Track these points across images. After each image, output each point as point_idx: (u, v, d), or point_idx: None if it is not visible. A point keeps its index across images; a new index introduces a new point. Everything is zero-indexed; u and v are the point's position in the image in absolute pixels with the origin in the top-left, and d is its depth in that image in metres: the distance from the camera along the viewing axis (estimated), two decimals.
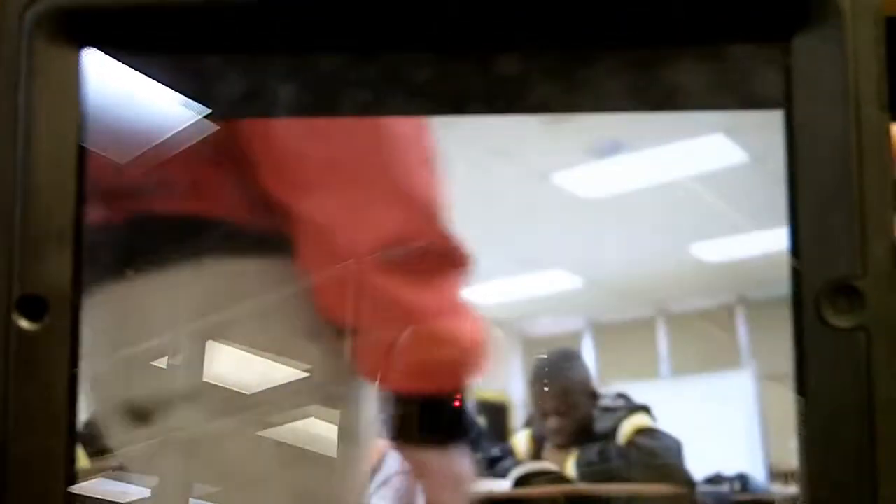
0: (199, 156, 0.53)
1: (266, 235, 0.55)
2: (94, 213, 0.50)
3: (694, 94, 0.50)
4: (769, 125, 0.48)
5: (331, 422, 0.56)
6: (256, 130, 0.54)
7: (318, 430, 0.55)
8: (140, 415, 0.56)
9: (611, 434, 1.17)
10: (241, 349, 0.55)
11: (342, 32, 0.48)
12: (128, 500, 0.59)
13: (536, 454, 0.77)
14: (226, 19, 0.48)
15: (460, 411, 0.56)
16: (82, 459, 0.50)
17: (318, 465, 0.56)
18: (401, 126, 0.54)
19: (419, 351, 0.54)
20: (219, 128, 0.52)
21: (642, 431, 1.16)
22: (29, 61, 0.46)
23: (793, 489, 0.47)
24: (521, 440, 0.78)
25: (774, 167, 0.48)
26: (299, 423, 0.55)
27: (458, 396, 0.57)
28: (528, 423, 0.74)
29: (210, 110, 0.50)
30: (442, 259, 0.55)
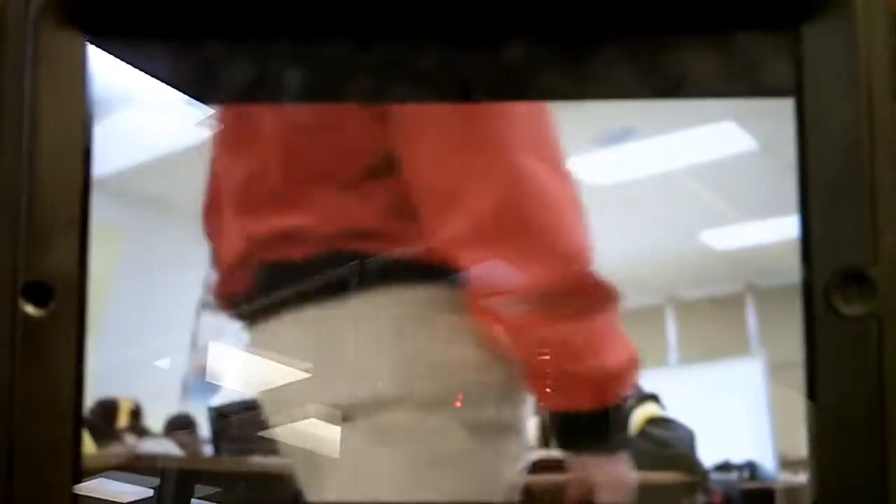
0: (385, 208, 0.64)
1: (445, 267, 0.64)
2: (300, 250, 0.62)
3: (704, 81, 0.49)
4: (780, 113, 0.48)
5: (497, 422, 0.67)
6: (420, 193, 0.64)
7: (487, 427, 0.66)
8: (343, 416, 0.65)
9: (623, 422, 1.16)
10: (431, 360, 0.65)
11: (347, 20, 0.48)
12: (131, 499, 0.61)
13: (545, 443, 0.78)
14: (231, 5, 0.48)
15: (619, 422, 0.67)
16: (89, 446, 0.51)
17: (489, 458, 0.66)
18: (557, 186, 0.63)
19: (579, 378, 0.64)
20: (399, 187, 0.62)
21: (654, 421, 1.16)
22: (34, 49, 0.46)
23: (802, 477, 0.47)
24: (529, 429, 0.79)
25: (785, 155, 0.48)
26: (470, 422, 0.66)
27: (617, 410, 0.66)
28: (537, 412, 0.75)
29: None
30: (593, 298, 0.63)
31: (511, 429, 0.67)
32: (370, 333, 0.66)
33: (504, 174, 0.62)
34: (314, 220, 0.64)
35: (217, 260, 0.73)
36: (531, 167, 0.62)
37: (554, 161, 0.63)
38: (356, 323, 0.66)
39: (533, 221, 0.63)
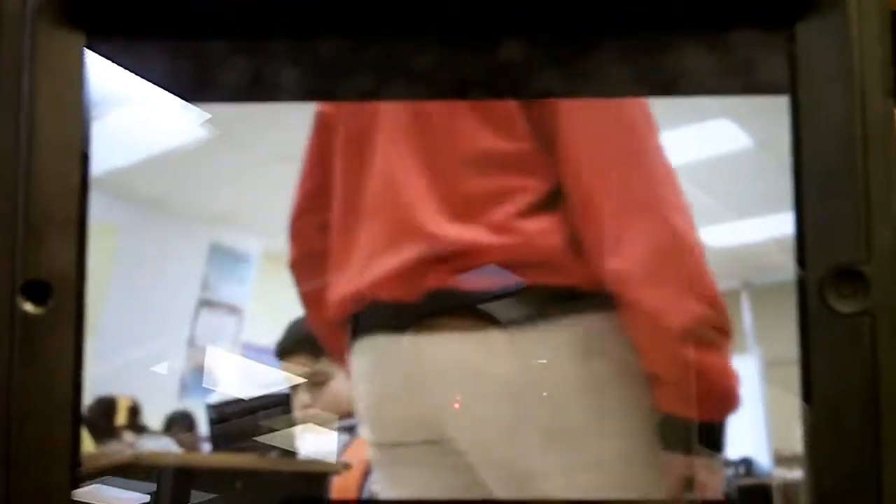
0: (558, 239, 0.72)
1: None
2: (490, 281, 0.70)
3: (700, 79, 0.49)
4: (775, 111, 0.48)
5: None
6: (584, 232, 0.72)
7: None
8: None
9: None
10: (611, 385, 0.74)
11: (345, 17, 0.48)
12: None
13: None
14: (229, 5, 0.48)
15: (725, 430, 0.76)
16: (88, 444, 0.51)
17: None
18: (694, 235, 0.73)
19: (713, 397, 0.74)
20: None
21: None
22: (33, 47, 0.46)
23: (797, 473, 0.47)
24: None
25: (780, 153, 0.48)
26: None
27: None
28: None
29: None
30: (722, 331, 0.73)
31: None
32: (552, 356, 0.74)
33: (659, 227, 0.73)
34: (494, 242, 0.71)
35: (344, 258, 0.76)
36: (676, 220, 0.72)
37: (688, 215, 0.73)
38: (535, 346, 0.73)
39: (683, 266, 0.73)
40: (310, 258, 0.78)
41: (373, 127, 0.73)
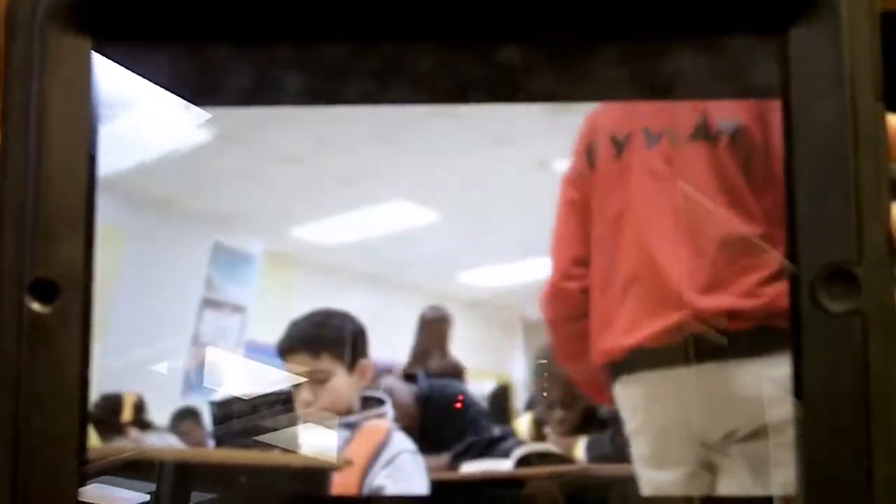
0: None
1: None
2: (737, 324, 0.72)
3: (692, 83, 0.50)
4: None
5: None
6: None
7: None
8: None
9: (619, 417, 1.17)
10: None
11: (345, 21, 0.49)
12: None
13: (539, 436, 0.80)
14: (236, 9, 0.48)
15: None
16: (94, 440, 0.51)
17: None
18: None
19: None
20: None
21: None
22: (42, 51, 0.46)
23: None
24: (523, 422, 0.82)
25: None
26: None
27: None
28: (531, 406, 0.78)
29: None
30: None
31: None
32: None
33: None
34: (745, 305, 0.74)
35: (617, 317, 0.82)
36: None
37: None
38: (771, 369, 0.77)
39: None
40: (572, 317, 0.84)
41: (625, 215, 0.81)
